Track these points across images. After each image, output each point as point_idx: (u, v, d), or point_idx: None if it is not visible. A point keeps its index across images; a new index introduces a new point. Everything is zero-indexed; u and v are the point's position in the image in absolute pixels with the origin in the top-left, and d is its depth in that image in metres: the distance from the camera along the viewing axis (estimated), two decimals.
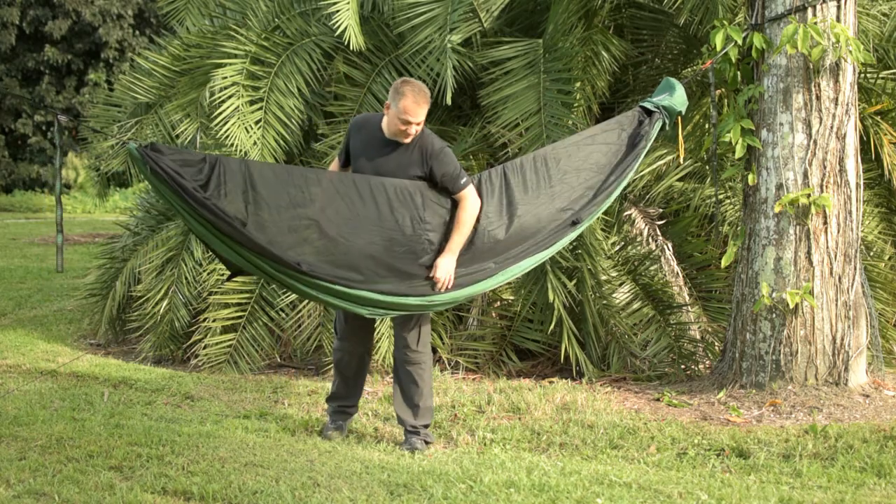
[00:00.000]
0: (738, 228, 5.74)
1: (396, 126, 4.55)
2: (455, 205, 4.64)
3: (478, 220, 4.68)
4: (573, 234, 5.00)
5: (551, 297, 5.96)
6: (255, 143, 6.48)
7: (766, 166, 5.40)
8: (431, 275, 4.58)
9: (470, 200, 4.63)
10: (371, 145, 4.66)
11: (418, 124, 4.54)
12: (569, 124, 6.26)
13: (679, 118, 5.32)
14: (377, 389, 5.88)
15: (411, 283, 4.58)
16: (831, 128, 5.31)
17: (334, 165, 4.97)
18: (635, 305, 6.50)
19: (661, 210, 7.08)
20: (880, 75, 6.89)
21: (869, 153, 6.64)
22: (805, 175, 5.31)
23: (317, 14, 7.12)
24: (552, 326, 6.05)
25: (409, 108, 4.48)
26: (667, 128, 5.17)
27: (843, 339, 5.33)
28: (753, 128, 5.43)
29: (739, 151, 5.41)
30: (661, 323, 6.37)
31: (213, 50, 7.01)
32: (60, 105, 27.15)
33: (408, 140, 4.58)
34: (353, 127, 4.80)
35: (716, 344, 6.36)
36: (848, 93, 5.35)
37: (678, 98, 5.19)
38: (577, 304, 6.32)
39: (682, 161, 5.96)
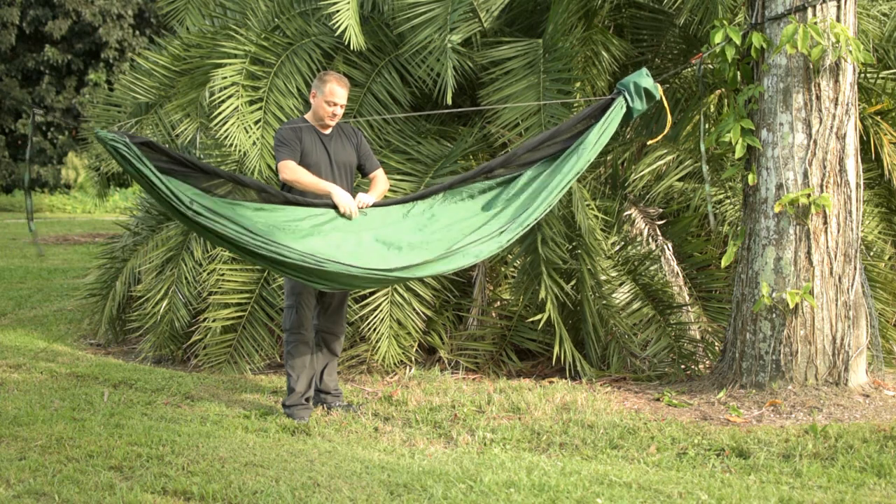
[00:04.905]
0: (738, 228, 5.74)
1: (324, 110, 5.16)
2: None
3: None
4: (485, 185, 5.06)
5: (543, 294, 5.95)
6: (254, 143, 6.47)
7: (766, 166, 5.40)
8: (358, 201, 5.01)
9: (384, 175, 5.41)
10: (314, 142, 5.19)
11: (342, 106, 5.19)
12: None
13: (665, 101, 5.23)
14: (377, 389, 5.88)
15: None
16: (831, 128, 5.31)
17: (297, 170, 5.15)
18: (635, 305, 6.50)
19: (661, 210, 7.07)
20: (880, 75, 6.89)
21: (869, 153, 6.64)
22: (805, 175, 5.30)
23: (317, 14, 7.12)
24: (542, 324, 6.05)
25: (334, 91, 5.13)
26: (632, 103, 5.00)
27: (843, 339, 5.33)
28: (753, 128, 5.43)
29: (739, 151, 5.40)
30: (661, 323, 6.37)
31: (213, 50, 7.00)
32: (61, 105, 27.16)
33: (332, 122, 5.21)
34: (292, 133, 5.13)
35: (716, 344, 6.36)
36: (848, 93, 5.35)
37: (644, 79, 5.06)
38: (577, 305, 6.32)
39: (658, 139, 5.90)
